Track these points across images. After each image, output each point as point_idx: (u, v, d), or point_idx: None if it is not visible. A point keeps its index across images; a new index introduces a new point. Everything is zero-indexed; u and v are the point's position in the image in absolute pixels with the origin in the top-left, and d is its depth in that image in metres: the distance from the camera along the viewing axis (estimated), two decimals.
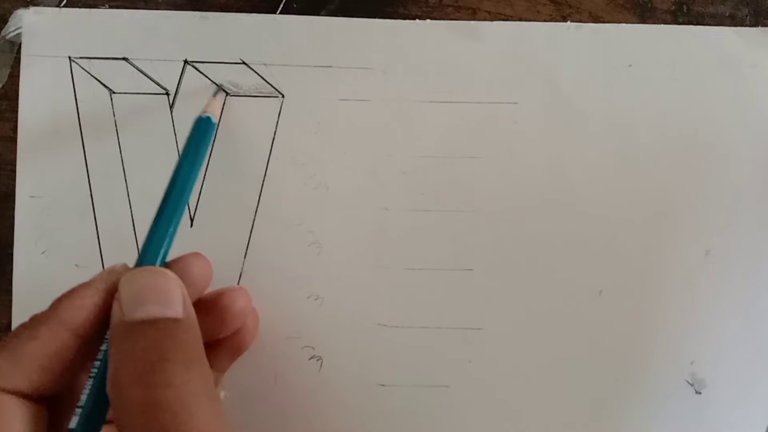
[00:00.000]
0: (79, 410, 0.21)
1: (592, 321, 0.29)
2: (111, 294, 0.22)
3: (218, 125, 0.30)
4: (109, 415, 0.21)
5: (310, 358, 0.29)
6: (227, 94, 0.30)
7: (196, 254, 0.25)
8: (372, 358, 0.29)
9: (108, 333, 0.21)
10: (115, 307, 0.21)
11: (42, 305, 0.21)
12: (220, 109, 0.29)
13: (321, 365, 0.29)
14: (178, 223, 0.24)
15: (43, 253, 0.29)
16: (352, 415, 0.29)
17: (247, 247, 0.29)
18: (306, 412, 0.29)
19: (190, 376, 0.20)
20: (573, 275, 0.29)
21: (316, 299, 0.29)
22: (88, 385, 0.21)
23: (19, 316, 0.29)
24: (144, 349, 0.20)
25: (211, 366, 0.26)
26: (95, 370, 0.21)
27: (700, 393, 0.29)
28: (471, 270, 0.29)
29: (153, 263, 0.23)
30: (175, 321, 0.21)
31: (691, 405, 0.29)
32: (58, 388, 0.21)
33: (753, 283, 0.29)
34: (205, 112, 0.27)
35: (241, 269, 0.29)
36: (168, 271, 0.22)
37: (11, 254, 0.29)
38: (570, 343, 0.29)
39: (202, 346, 0.21)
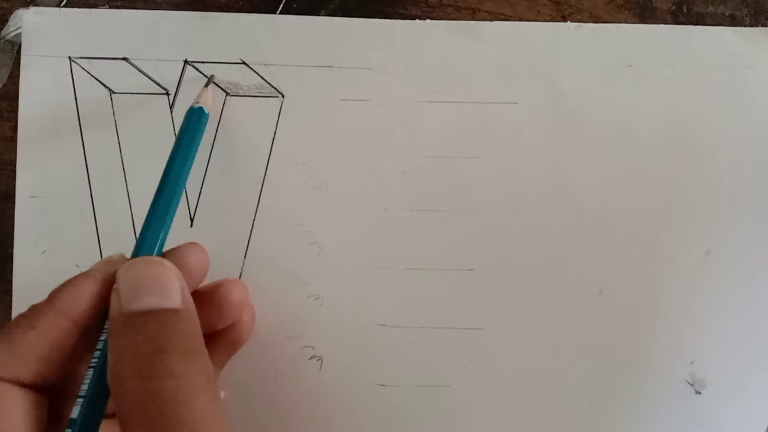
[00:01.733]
0: (80, 400, 0.21)
1: (592, 321, 0.29)
2: (109, 284, 0.22)
3: (219, 119, 0.30)
4: (109, 408, 0.21)
5: (310, 358, 0.29)
6: (227, 94, 0.30)
7: (193, 244, 0.25)
8: (372, 358, 0.29)
9: (107, 323, 0.22)
10: (114, 297, 0.21)
11: None
12: (211, 99, 0.29)
13: (321, 365, 0.29)
14: (173, 213, 0.24)
15: (43, 253, 0.29)
16: (352, 415, 0.29)
17: (247, 247, 0.29)
18: (306, 412, 0.29)
19: (189, 366, 0.20)
20: (573, 275, 0.29)
21: (316, 299, 0.29)
22: (88, 375, 0.21)
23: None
24: (143, 340, 0.20)
25: None
26: (95, 360, 0.21)
27: (700, 393, 0.29)
28: (471, 270, 0.29)
29: (150, 254, 0.23)
30: (173, 312, 0.21)
31: (691, 405, 0.29)
32: (58, 378, 0.21)
33: (753, 283, 0.29)
34: (197, 102, 0.27)
35: (241, 269, 0.29)
36: (166, 261, 0.22)
37: (11, 254, 0.29)
38: (570, 343, 0.29)
39: (201, 336, 0.21)
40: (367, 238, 0.29)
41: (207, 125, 0.27)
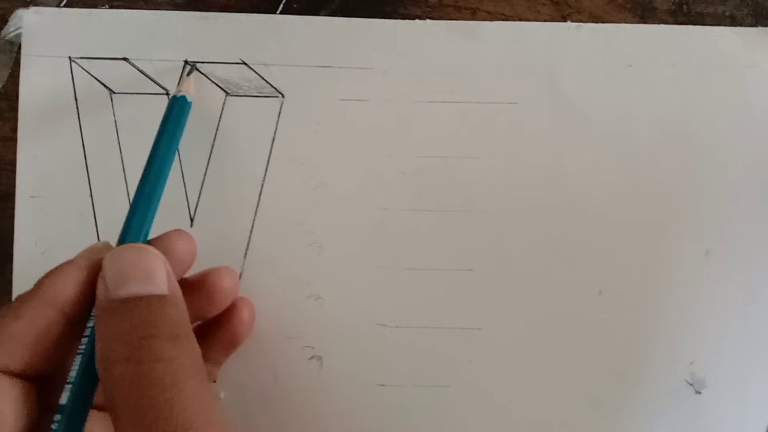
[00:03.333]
0: (68, 386, 0.21)
1: (592, 321, 0.29)
2: (94, 271, 0.22)
3: (219, 119, 0.30)
4: (97, 399, 0.21)
5: (310, 358, 0.29)
6: (227, 94, 0.30)
7: (179, 230, 0.25)
8: (372, 358, 0.29)
9: (94, 310, 0.22)
10: (100, 284, 0.21)
11: None
12: (194, 88, 0.29)
13: (321, 365, 0.29)
14: (158, 201, 0.25)
15: (43, 253, 0.29)
16: (352, 415, 0.29)
17: (247, 247, 0.29)
18: (306, 412, 0.29)
19: (177, 351, 0.20)
20: (573, 275, 0.29)
21: (316, 299, 0.29)
22: (76, 361, 0.21)
23: None
24: (131, 325, 0.20)
25: (206, 359, 0.26)
26: (83, 347, 0.22)
27: (700, 393, 0.29)
28: (471, 270, 0.29)
29: (135, 241, 0.23)
30: (160, 297, 0.21)
31: (691, 405, 0.29)
32: (47, 367, 0.21)
33: (753, 283, 0.29)
34: (179, 90, 0.27)
35: (241, 269, 0.29)
36: (151, 248, 0.22)
37: (11, 254, 0.29)
38: (570, 343, 0.29)
39: (188, 321, 0.21)
40: (367, 238, 0.29)
41: (192, 118, 0.27)
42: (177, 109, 0.27)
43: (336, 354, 0.29)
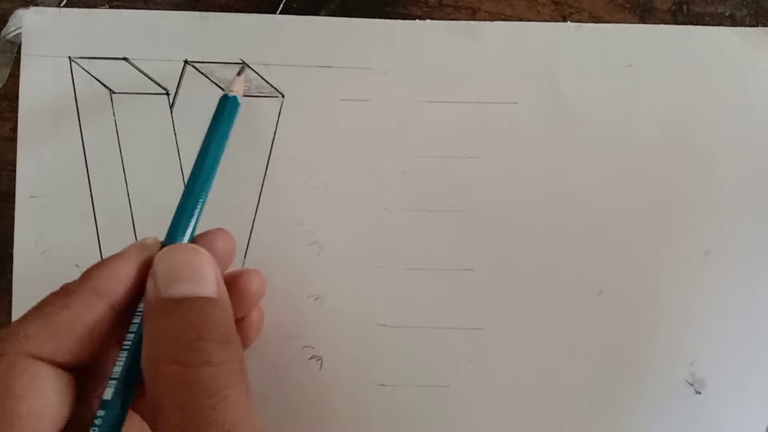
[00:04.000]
0: (113, 382, 0.21)
1: (592, 321, 0.29)
2: (144, 267, 0.22)
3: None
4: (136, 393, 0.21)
5: (310, 358, 0.29)
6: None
7: (221, 230, 0.25)
8: (372, 358, 0.29)
9: (141, 306, 0.22)
10: (150, 282, 0.21)
11: None
12: (243, 88, 0.28)
13: (321, 365, 0.29)
14: (205, 201, 0.24)
15: (43, 253, 0.29)
16: (352, 415, 0.29)
17: (247, 247, 0.29)
18: (306, 412, 0.29)
19: (226, 356, 0.20)
20: (573, 275, 0.29)
21: (316, 299, 0.29)
22: (120, 357, 0.21)
23: (18, 316, 0.29)
24: (180, 327, 0.20)
25: None
26: (128, 343, 0.21)
27: (700, 393, 0.29)
28: (471, 270, 0.29)
29: (184, 240, 0.23)
30: (209, 300, 0.21)
31: (691, 405, 0.29)
32: (90, 359, 0.21)
33: (753, 283, 0.29)
34: (230, 91, 0.27)
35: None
36: (202, 249, 0.22)
37: (11, 254, 0.29)
38: (570, 343, 0.29)
39: (234, 325, 0.21)
40: (367, 238, 0.29)
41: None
42: (229, 109, 0.26)
43: (336, 354, 0.29)
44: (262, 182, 0.30)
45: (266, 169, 0.30)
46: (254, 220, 0.29)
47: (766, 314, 0.29)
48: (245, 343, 0.27)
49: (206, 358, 0.19)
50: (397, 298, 0.29)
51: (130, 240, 0.29)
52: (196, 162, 0.25)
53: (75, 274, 0.26)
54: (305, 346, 0.29)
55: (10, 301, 0.29)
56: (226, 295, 0.22)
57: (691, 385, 0.29)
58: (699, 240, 0.29)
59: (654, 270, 0.29)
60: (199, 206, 0.24)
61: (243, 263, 0.29)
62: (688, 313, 0.29)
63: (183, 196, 0.24)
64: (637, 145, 0.30)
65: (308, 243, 0.29)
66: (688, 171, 0.29)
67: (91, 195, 0.30)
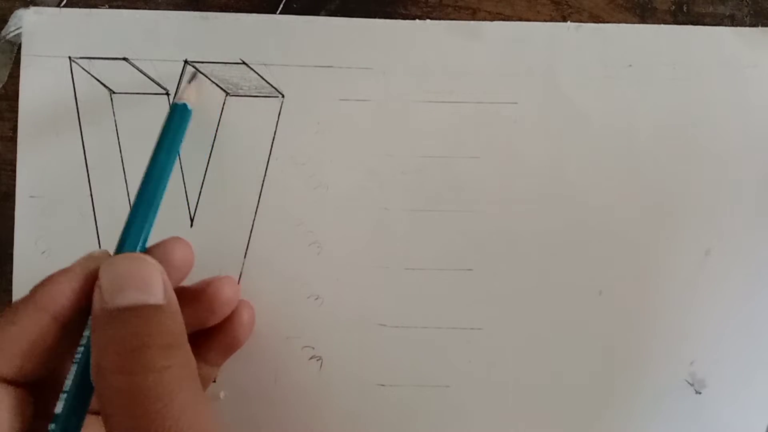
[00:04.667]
0: (63, 395, 0.21)
1: (592, 321, 0.29)
2: (91, 280, 0.22)
3: (219, 119, 0.30)
4: (94, 404, 0.21)
5: (310, 358, 0.29)
6: (227, 94, 0.30)
7: (177, 239, 0.25)
8: (372, 358, 0.29)
9: (90, 319, 0.22)
10: (96, 293, 0.21)
11: None
12: (195, 95, 0.29)
13: (321, 365, 0.29)
14: (156, 210, 0.25)
15: (43, 253, 0.29)
16: (352, 415, 0.29)
17: (247, 247, 0.29)
18: (306, 412, 0.29)
19: (170, 361, 0.20)
20: (573, 275, 0.29)
21: (316, 299, 0.29)
22: (71, 370, 0.21)
23: None
24: (125, 335, 0.20)
25: (206, 361, 0.27)
26: (78, 356, 0.22)
27: (700, 393, 0.29)
28: (471, 270, 0.29)
29: (133, 250, 0.24)
30: (156, 307, 0.21)
31: (691, 405, 0.29)
32: (42, 374, 0.21)
33: (753, 283, 0.29)
34: (180, 98, 0.27)
35: (241, 269, 0.29)
36: (148, 257, 0.22)
37: (11, 254, 0.29)
38: (570, 343, 0.29)
39: (184, 331, 0.21)
40: (367, 238, 0.29)
41: (191, 121, 0.27)
42: (177, 117, 0.27)
43: (336, 354, 0.29)
44: (262, 182, 0.30)
45: (266, 169, 0.30)
46: (254, 220, 0.29)
47: (766, 314, 0.29)
48: (237, 343, 0.27)
49: (149, 365, 0.20)
50: (397, 298, 0.29)
51: None
52: (146, 172, 0.25)
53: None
54: (305, 346, 0.29)
55: (10, 301, 0.29)
56: (174, 301, 0.22)
57: (691, 385, 0.29)
58: (699, 240, 0.29)
59: (654, 270, 0.29)
60: (149, 216, 0.24)
61: (243, 263, 0.29)
62: (688, 313, 0.29)
63: (132, 206, 0.24)
64: (637, 145, 0.30)
65: (308, 243, 0.29)
66: (687, 171, 0.29)
67: (91, 195, 0.30)
